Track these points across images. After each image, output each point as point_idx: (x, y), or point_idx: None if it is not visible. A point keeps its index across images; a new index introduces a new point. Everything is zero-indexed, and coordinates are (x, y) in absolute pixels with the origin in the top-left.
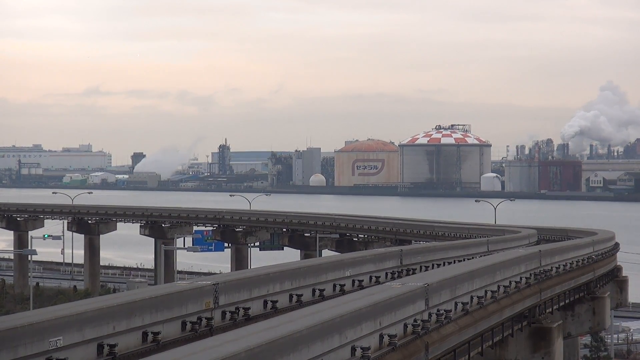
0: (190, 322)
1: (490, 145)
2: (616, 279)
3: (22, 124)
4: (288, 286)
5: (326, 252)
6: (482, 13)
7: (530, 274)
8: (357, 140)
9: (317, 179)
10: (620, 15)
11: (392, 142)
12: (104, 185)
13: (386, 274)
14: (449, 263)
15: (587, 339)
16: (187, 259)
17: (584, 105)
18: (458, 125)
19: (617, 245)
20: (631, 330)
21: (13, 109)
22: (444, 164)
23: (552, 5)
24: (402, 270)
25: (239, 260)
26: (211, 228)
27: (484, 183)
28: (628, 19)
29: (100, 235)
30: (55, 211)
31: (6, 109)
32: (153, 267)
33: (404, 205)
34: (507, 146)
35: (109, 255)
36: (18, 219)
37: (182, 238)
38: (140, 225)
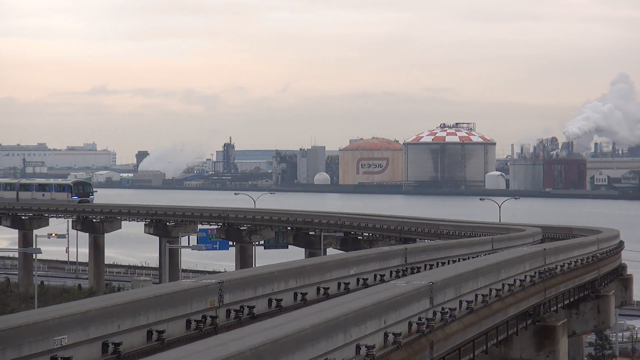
0: (194, 321)
1: (495, 144)
2: (621, 277)
3: (27, 123)
4: (293, 285)
5: (331, 251)
6: (487, 12)
7: (535, 273)
8: (361, 139)
9: (322, 177)
10: (622, 14)
11: (396, 141)
12: (109, 183)
13: (391, 272)
14: (454, 261)
15: (591, 337)
16: (191, 257)
17: (598, 97)
18: (462, 123)
19: (621, 243)
20: (636, 328)
21: (19, 108)
22: (449, 163)
23: (556, 4)
24: (406, 268)
25: (244, 259)
26: (216, 226)
27: (489, 181)
28: (630, 17)
29: (105, 234)
30: (60, 210)
31: (12, 108)
32: (158, 266)
33: (409, 204)
34: (512, 144)
35: (113, 253)
36: (23, 217)
37: (187, 236)
38: (144, 224)
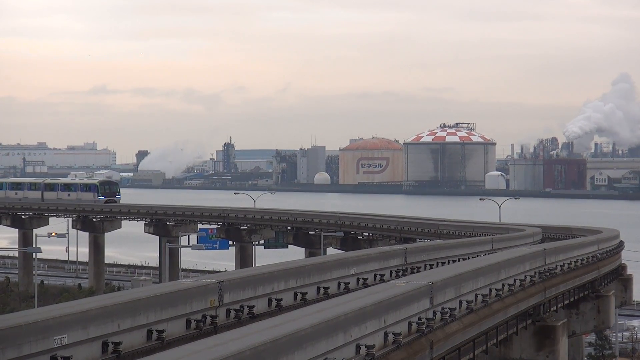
0: (194, 320)
1: (495, 144)
2: (621, 277)
3: (28, 122)
4: (293, 284)
5: (331, 250)
6: (487, 12)
7: (535, 272)
8: (361, 139)
9: (322, 177)
10: (622, 14)
11: (396, 141)
12: None
13: (391, 272)
14: (454, 261)
15: (591, 337)
16: (191, 257)
17: (599, 97)
18: (463, 123)
19: (621, 243)
20: (636, 328)
21: (20, 108)
22: (449, 163)
23: (556, 4)
24: (406, 268)
25: (244, 259)
26: (216, 226)
27: (489, 181)
28: (630, 17)
29: (105, 233)
30: (60, 209)
31: (13, 108)
32: (158, 265)
33: (409, 204)
34: (512, 144)
35: (113, 253)
36: (23, 216)
37: (187, 236)
38: (144, 223)
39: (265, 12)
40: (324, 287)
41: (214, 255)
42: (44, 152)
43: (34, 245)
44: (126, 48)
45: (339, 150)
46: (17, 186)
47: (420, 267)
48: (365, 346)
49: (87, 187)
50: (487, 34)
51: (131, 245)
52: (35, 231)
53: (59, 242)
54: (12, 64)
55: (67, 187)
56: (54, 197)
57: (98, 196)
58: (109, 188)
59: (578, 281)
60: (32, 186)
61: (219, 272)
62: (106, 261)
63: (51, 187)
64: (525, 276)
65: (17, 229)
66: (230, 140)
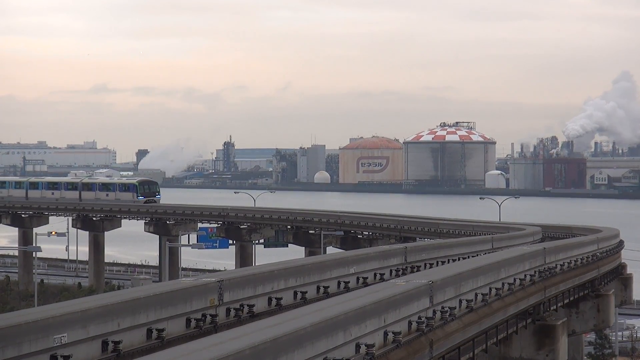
0: (194, 319)
1: (495, 143)
2: (621, 277)
3: (28, 121)
4: (292, 283)
5: (331, 250)
6: (487, 12)
7: (535, 272)
8: (361, 138)
9: (322, 176)
10: (622, 14)
11: (396, 140)
12: None
13: (391, 271)
14: (454, 260)
15: (591, 337)
16: (191, 256)
17: (601, 95)
18: (463, 122)
19: (621, 242)
20: (635, 327)
21: (20, 107)
22: (449, 162)
23: (556, 4)
24: (406, 267)
25: (244, 258)
26: (216, 225)
27: (489, 180)
28: (630, 17)
29: (105, 232)
30: (60, 208)
31: (13, 107)
32: (157, 264)
33: (409, 203)
34: (512, 143)
35: (113, 252)
36: (23, 215)
37: (187, 235)
38: (144, 222)
39: (265, 11)
40: (323, 286)
41: (214, 254)
42: (44, 151)
43: (34, 244)
44: (126, 47)
45: (339, 149)
46: (53, 186)
47: (420, 266)
48: (365, 345)
49: (125, 187)
50: (487, 34)
51: (131, 244)
52: (35, 230)
53: (59, 241)
54: (12, 62)
55: (106, 186)
56: (92, 197)
57: (137, 196)
58: (149, 188)
59: (578, 280)
60: (70, 186)
61: (219, 271)
62: (106, 260)
63: (89, 187)
64: (525, 275)
65: (17, 228)
66: (231, 139)
